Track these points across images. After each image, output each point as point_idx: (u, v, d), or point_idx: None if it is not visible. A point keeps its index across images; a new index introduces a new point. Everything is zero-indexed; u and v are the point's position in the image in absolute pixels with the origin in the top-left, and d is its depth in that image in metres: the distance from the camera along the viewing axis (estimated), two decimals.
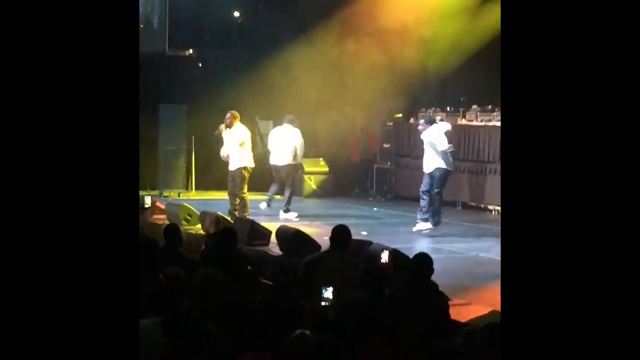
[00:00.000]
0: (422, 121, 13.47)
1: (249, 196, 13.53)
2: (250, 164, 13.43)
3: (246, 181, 13.39)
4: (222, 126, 13.54)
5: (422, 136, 12.86)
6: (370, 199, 17.31)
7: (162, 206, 13.54)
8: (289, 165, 14.34)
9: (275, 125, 22.51)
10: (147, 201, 12.97)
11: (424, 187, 12.63)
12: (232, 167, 13.42)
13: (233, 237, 8.22)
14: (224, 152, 13.58)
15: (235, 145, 13.34)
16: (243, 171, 13.30)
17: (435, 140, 12.58)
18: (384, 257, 8.11)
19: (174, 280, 6.09)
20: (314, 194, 17.74)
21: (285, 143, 14.37)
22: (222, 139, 13.69)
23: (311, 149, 18.99)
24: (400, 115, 18.16)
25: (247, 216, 12.83)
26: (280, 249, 10.19)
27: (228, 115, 13.48)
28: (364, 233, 11.56)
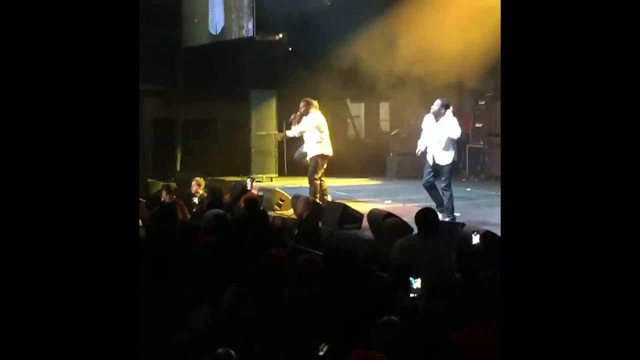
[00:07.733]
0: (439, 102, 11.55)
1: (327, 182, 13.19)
2: (325, 151, 12.87)
3: (319, 169, 12.87)
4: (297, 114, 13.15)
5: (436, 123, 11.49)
6: (464, 179, 17.09)
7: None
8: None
9: (365, 108, 22.30)
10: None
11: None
12: (309, 154, 13.01)
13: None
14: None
15: (311, 132, 12.94)
16: (317, 159, 12.82)
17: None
18: (477, 239, 7.96)
19: (277, 262, 6.07)
20: (404, 175, 17.57)
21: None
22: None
23: (404, 130, 18.88)
24: (491, 94, 17.87)
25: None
26: (372, 232, 10.12)
27: (302, 103, 13.06)
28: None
